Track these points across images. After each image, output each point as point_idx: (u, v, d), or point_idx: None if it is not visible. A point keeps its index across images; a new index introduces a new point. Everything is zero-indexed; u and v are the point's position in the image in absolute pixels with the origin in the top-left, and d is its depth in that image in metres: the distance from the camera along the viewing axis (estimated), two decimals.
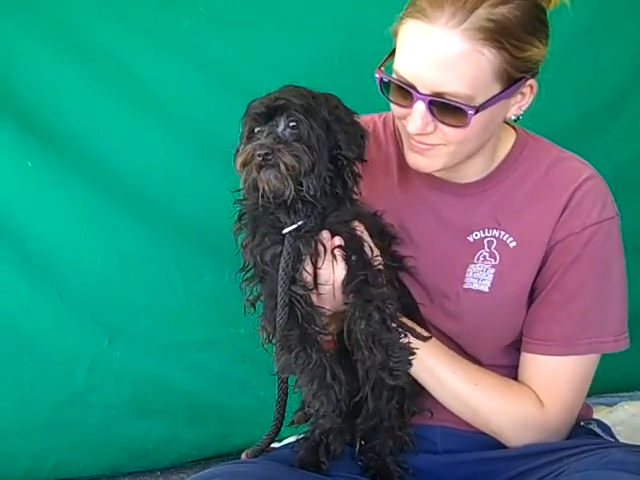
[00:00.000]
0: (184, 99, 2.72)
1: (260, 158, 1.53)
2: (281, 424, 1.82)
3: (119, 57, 2.65)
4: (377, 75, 1.76)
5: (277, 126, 1.58)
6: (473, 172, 1.87)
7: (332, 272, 1.66)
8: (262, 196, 1.58)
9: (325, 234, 1.66)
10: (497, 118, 1.76)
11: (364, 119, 2.02)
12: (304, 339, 1.61)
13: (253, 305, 1.69)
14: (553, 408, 1.83)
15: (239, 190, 1.66)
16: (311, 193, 1.58)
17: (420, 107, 1.67)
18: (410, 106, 1.69)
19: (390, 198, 1.91)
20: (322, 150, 1.59)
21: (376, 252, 1.69)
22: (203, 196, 2.77)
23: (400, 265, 1.85)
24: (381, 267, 1.68)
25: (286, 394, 1.79)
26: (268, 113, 1.59)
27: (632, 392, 3.01)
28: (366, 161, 1.69)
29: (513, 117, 1.79)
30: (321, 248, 1.66)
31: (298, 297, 1.64)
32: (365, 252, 1.68)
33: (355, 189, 1.69)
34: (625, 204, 1.89)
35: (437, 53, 1.63)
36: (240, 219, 1.69)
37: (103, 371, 2.86)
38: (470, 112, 1.64)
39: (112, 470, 3.03)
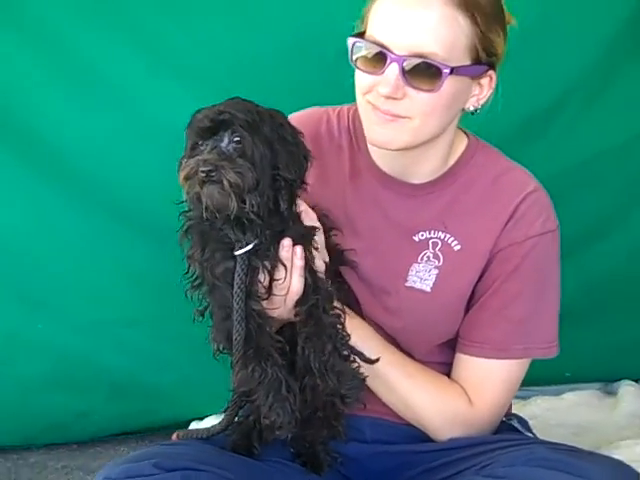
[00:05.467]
0: (126, 80, 2.70)
1: (204, 174, 1.52)
2: (225, 429, 1.82)
3: (63, 39, 2.63)
4: (350, 41, 1.78)
5: (221, 141, 1.56)
6: (426, 172, 1.90)
7: (289, 283, 1.67)
8: (206, 209, 1.57)
9: (287, 242, 1.66)
10: (460, 99, 1.80)
11: (318, 111, 2.05)
12: (259, 353, 1.63)
13: (202, 315, 1.70)
14: (482, 407, 1.90)
15: (183, 202, 1.64)
16: (254, 210, 1.57)
17: (394, 69, 1.69)
18: (381, 72, 1.71)
19: (340, 190, 1.93)
20: (265, 168, 1.58)
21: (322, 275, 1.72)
22: (136, 175, 2.76)
23: (342, 259, 1.87)
24: (331, 290, 1.71)
25: (240, 407, 1.80)
26: (212, 127, 1.57)
27: (543, 387, 3.10)
28: (307, 184, 1.68)
29: (472, 108, 1.84)
30: (282, 256, 1.66)
31: (252, 312, 1.65)
32: (318, 272, 1.71)
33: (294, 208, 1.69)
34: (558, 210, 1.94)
35: (416, 13, 1.68)
36: (186, 232, 1.67)
37: (22, 344, 2.84)
38: (446, 71, 1.68)
39: (26, 441, 3.02)
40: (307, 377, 1.68)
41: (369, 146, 1.94)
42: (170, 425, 3.03)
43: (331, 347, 1.66)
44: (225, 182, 1.52)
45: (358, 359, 1.71)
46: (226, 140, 1.57)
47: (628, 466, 1.59)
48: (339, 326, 1.70)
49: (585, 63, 2.75)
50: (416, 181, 1.92)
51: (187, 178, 1.55)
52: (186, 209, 1.68)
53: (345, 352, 1.68)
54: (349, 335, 1.70)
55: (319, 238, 1.75)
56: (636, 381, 3.05)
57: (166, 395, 2.98)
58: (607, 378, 3.14)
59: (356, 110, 2.00)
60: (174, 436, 1.89)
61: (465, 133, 1.97)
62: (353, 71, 2.49)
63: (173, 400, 2.99)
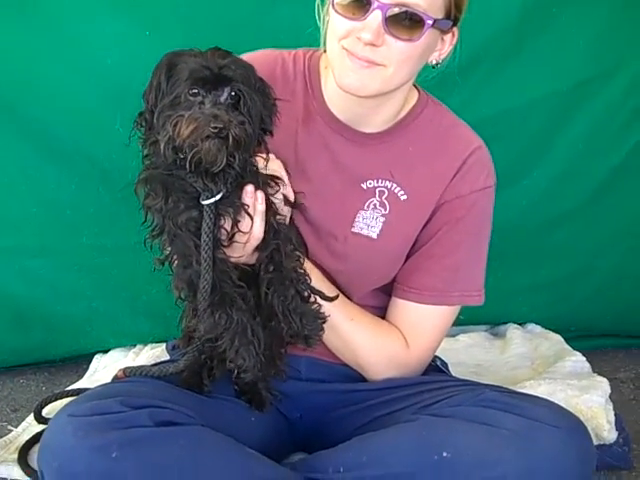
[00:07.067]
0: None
1: (215, 130, 1.52)
2: (181, 372, 1.83)
3: None
4: None
5: (221, 95, 1.57)
6: (379, 122, 1.95)
7: (250, 229, 1.70)
8: (189, 162, 1.56)
9: (250, 188, 1.68)
10: (429, 52, 1.85)
11: (273, 53, 2.03)
12: (224, 300, 1.66)
13: (162, 264, 1.70)
14: (416, 349, 2.00)
15: (153, 144, 1.62)
16: (240, 165, 1.60)
17: (377, 15, 1.72)
18: (363, 18, 1.74)
19: (291, 133, 1.94)
20: (257, 123, 1.62)
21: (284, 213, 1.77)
22: (56, 101, 2.64)
23: (291, 202, 1.89)
24: (290, 233, 1.76)
25: (201, 353, 1.81)
26: (212, 80, 1.56)
27: None
28: (272, 134, 1.71)
29: (434, 62, 1.89)
30: (246, 202, 1.67)
31: (217, 260, 1.66)
32: (278, 215, 1.74)
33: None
34: None
35: None
36: (145, 181, 1.65)
37: None
38: (429, 22, 1.74)
39: None
40: (272, 321, 1.73)
41: (324, 92, 1.97)
42: (71, 357, 3.02)
43: (294, 291, 1.71)
44: (231, 139, 1.53)
45: (318, 298, 1.77)
46: (225, 95, 1.56)
47: (568, 410, 1.72)
48: (299, 269, 1.74)
49: (500, 23, 2.81)
50: (368, 130, 1.96)
51: (194, 131, 1.53)
52: (146, 155, 1.66)
53: (306, 294, 1.74)
54: (309, 277, 1.76)
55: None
56: (520, 324, 3.25)
57: (69, 327, 2.92)
58: (493, 321, 3.31)
59: (312, 55, 2.01)
60: (119, 372, 1.88)
61: (416, 87, 2.02)
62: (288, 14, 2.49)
63: (76, 333, 2.93)
